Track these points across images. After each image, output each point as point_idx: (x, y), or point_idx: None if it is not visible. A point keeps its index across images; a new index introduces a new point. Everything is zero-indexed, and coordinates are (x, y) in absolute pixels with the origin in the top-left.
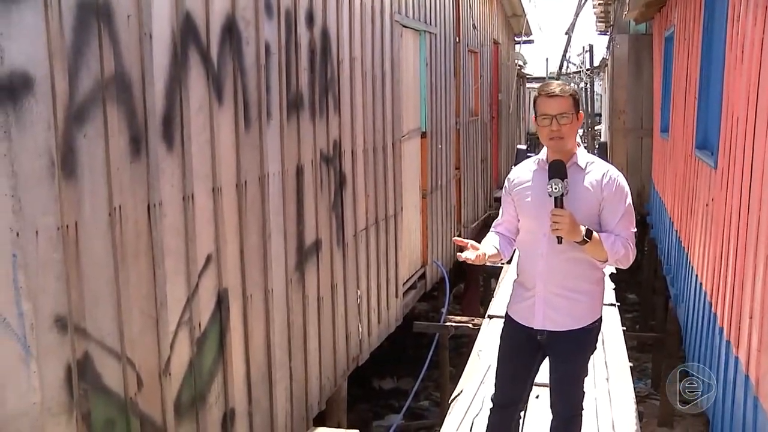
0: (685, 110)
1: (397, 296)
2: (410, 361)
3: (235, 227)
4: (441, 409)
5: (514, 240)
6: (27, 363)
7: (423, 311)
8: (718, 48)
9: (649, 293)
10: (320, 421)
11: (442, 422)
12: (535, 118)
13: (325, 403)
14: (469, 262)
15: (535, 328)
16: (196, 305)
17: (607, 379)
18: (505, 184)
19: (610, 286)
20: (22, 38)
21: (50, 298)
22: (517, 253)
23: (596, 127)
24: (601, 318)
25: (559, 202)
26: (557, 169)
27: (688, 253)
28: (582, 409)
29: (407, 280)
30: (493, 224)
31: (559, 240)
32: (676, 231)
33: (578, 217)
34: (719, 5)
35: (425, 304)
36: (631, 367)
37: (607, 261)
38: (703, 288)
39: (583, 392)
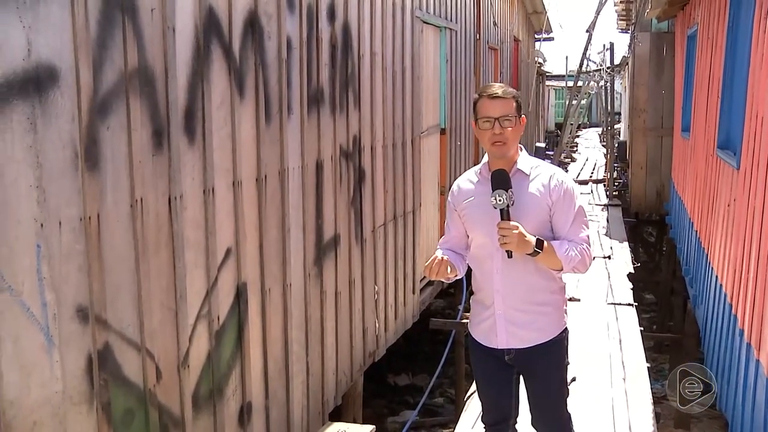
0: (707, 109)
1: (414, 292)
2: (425, 357)
3: (254, 221)
4: (456, 406)
5: (464, 257)
6: (50, 352)
7: (439, 308)
8: (743, 47)
9: (667, 293)
10: (336, 416)
11: (458, 419)
12: (475, 122)
13: (341, 398)
14: (436, 277)
15: (498, 348)
16: (215, 298)
17: (624, 379)
18: (449, 198)
19: (627, 285)
20: (48, 31)
21: (72, 288)
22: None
23: (616, 126)
24: (566, 328)
25: (505, 215)
26: (500, 180)
27: (708, 254)
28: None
29: (424, 277)
30: (439, 242)
31: (509, 254)
32: (696, 231)
33: (529, 226)
34: (745, 3)
35: (441, 300)
36: (648, 367)
37: (562, 270)
38: (724, 289)
39: (568, 413)
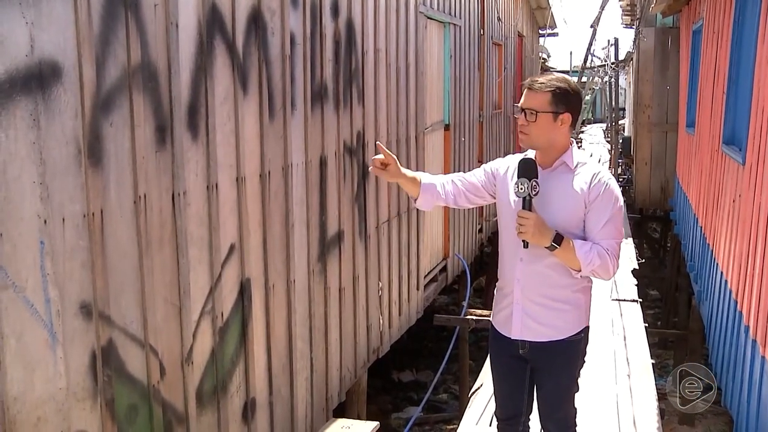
0: (712, 105)
1: (418, 289)
2: (429, 353)
3: (258, 217)
4: (460, 402)
5: (445, 198)
6: (53, 349)
7: (443, 304)
8: (749, 42)
9: (672, 290)
10: (340, 412)
11: (462, 416)
12: None
13: (345, 395)
14: (379, 173)
15: (512, 337)
16: (218, 294)
17: (629, 376)
18: (493, 163)
19: (631, 281)
20: (51, 27)
21: (76, 285)
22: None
23: (620, 122)
24: (587, 328)
25: (526, 204)
26: (525, 168)
27: (713, 250)
28: (575, 426)
29: (428, 273)
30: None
31: (525, 244)
32: (701, 227)
33: (561, 221)
34: None
35: (446, 297)
36: (652, 364)
37: (580, 271)
38: (729, 286)
39: (575, 409)
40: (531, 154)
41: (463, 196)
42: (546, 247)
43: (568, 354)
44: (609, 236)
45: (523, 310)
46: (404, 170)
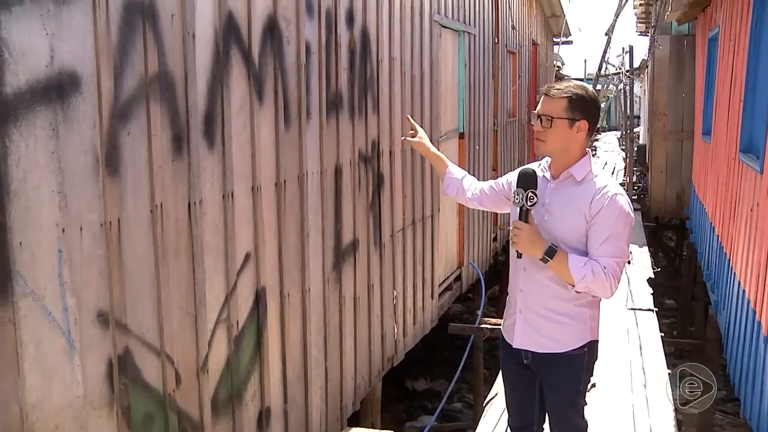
0: (729, 113)
1: (432, 297)
2: (444, 362)
3: (273, 226)
4: (475, 411)
5: (468, 193)
6: (71, 357)
7: (457, 312)
8: (767, 48)
9: (688, 299)
10: (354, 421)
11: (476, 425)
12: None
13: (360, 404)
14: (409, 141)
15: (514, 346)
16: (234, 303)
17: (645, 386)
18: (511, 175)
19: (647, 290)
20: (71, 38)
21: (93, 293)
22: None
23: (635, 130)
24: (592, 343)
25: (522, 214)
26: (524, 179)
27: (730, 259)
28: None
29: (443, 282)
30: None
31: (518, 254)
32: (718, 236)
33: (562, 235)
34: None
35: (460, 305)
36: (669, 373)
37: (574, 286)
38: (747, 295)
39: (585, 421)
40: (545, 162)
41: (491, 203)
42: (540, 260)
43: (569, 368)
44: (608, 254)
45: (525, 320)
46: (432, 148)
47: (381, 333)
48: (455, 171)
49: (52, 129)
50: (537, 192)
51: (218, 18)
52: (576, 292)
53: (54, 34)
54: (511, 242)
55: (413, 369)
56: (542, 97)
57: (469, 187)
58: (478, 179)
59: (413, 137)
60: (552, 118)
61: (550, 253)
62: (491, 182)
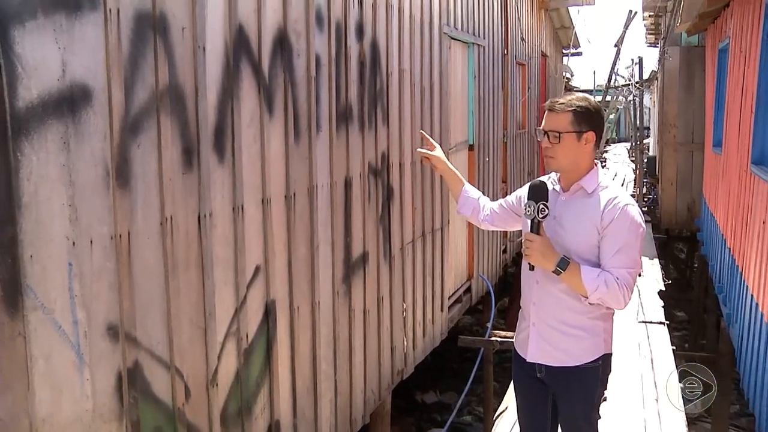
0: (740, 124)
1: (442, 310)
2: (453, 375)
3: (283, 239)
4: (485, 424)
5: (481, 214)
6: (80, 370)
7: (467, 325)
8: None
9: (699, 311)
10: None
11: None
12: None
13: (369, 417)
14: (425, 157)
15: (527, 360)
16: (244, 316)
17: (657, 400)
18: (522, 190)
19: (658, 303)
20: (82, 52)
21: (103, 306)
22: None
23: (645, 141)
24: (606, 356)
25: (534, 227)
26: (534, 192)
27: (742, 272)
28: None
29: (453, 294)
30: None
31: (531, 267)
32: (729, 249)
33: (574, 247)
34: None
35: (470, 318)
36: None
37: (587, 298)
38: (760, 309)
39: None
40: (555, 176)
41: (502, 221)
42: (552, 272)
43: (583, 381)
44: (620, 265)
45: (538, 333)
46: (449, 164)
47: (391, 346)
48: (471, 191)
49: (63, 142)
50: (548, 204)
51: (228, 31)
52: (589, 304)
53: (66, 47)
54: (523, 254)
55: (423, 382)
56: (546, 113)
57: (483, 208)
58: (488, 191)
59: (430, 151)
60: (560, 133)
61: (563, 264)
62: (500, 201)
